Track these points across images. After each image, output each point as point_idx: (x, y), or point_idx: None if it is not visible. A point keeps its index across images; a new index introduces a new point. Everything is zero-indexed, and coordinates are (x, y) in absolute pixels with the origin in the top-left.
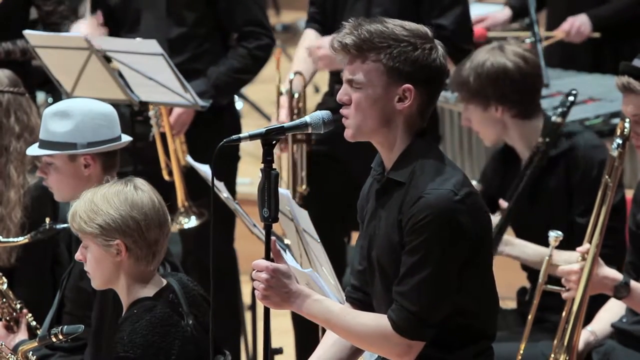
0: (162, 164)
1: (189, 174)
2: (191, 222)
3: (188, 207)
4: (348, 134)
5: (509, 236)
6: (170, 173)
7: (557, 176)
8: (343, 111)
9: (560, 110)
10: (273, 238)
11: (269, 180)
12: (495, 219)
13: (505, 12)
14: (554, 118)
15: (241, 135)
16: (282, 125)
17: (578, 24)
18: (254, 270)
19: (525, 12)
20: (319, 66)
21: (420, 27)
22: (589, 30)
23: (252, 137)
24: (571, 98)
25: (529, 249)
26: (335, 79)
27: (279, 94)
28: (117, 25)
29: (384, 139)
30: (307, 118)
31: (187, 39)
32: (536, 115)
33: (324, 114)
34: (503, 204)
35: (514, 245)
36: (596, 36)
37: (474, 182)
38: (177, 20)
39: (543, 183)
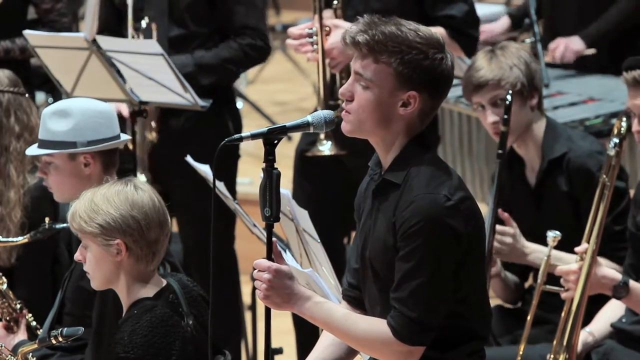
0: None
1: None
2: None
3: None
4: (345, 128)
5: (530, 243)
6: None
7: (559, 179)
8: (345, 106)
9: (503, 117)
10: (274, 239)
11: (271, 179)
12: (516, 230)
13: (503, 22)
14: (502, 128)
15: (243, 134)
16: (284, 124)
17: (565, 43)
18: (255, 270)
19: (528, 28)
20: (337, 70)
21: (434, 34)
22: (581, 47)
23: (254, 137)
24: (509, 97)
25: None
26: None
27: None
28: (119, 23)
29: (381, 140)
30: (308, 117)
31: (187, 38)
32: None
33: (326, 113)
34: (503, 214)
35: (536, 252)
36: (591, 52)
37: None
38: (178, 20)
39: (546, 186)
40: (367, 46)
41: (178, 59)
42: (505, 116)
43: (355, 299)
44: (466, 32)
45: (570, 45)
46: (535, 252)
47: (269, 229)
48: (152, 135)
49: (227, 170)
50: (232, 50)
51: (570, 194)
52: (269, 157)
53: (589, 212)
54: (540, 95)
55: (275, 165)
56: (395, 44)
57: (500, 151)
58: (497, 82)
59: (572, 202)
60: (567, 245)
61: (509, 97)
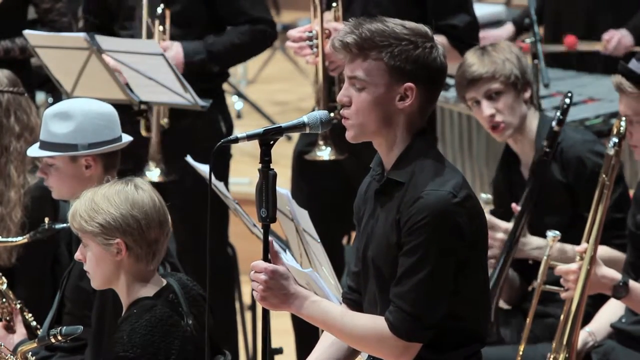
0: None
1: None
2: (153, 175)
3: (158, 160)
4: (349, 135)
5: (538, 238)
6: (148, 128)
7: (553, 169)
8: (343, 112)
9: (558, 116)
10: (271, 239)
11: (267, 180)
12: (509, 225)
13: (508, 29)
14: (554, 125)
15: (239, 135)
16: (280, 125)
17: (619, 36)
18: (252, 271)
19: (528, 28)
20: (336, 73)
21: (420, 26)
22: (631, 42)
23: (249, 138)
24: (567, 100)
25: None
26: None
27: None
28: (111, 21)
29: (384, 139)
30: (304, 118)
31: (182, 37)
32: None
33: (322, 113)
34: (516, 208)
35: (541, 249)
36: (639, 49)
37: (483, 195)
38: (173, 18)
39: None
40: (356, 45)
41: (189, 45)
42: (561, 116)
43: (355, 302)
44: (467, 41)
45: (623, 40)
46: (540, 247)
47: (266, 229)
48: (163, 121)
49: (221, 170)
50: (242, 36)
51: (565, 183)
52: (265, 157)
53: (586, 200)
54: (533, 89)
55: (272, 166)
56: (383, 38)
57: (548, 149)
58: (492, 75)
59: (567, 191)
60: (567, 235)
61: (567, 100)
